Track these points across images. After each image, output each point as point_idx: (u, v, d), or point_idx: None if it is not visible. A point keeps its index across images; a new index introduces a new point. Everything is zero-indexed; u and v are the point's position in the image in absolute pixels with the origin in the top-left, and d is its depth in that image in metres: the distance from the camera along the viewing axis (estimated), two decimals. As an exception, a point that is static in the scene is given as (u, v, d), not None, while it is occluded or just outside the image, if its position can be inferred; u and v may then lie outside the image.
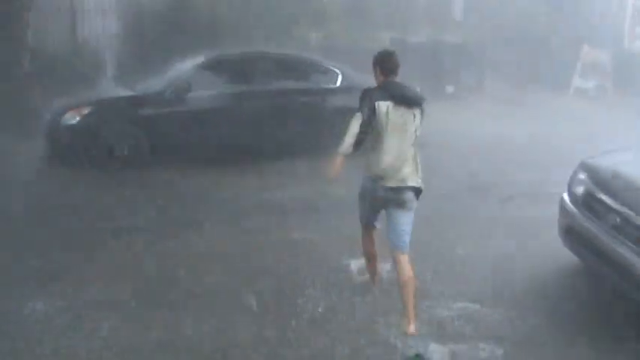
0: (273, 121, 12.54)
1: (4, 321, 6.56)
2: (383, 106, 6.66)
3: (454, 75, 20.34)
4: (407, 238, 6.87)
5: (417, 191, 6.84)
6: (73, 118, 11.80)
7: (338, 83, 13.37)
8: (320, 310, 7.00)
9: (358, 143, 6.54)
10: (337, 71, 13.50)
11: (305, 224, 9.40)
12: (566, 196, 8.05)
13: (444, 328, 6.79)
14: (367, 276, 7.67)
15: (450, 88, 20.18)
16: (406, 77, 6.97)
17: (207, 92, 12.40)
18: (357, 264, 8.03)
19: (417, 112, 6.78)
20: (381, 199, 6.89)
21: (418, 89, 7.14)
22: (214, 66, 12.82)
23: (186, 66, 12.59)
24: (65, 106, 12.12)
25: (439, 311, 7.12)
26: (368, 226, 7.31)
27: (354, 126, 6.56)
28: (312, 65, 13.66)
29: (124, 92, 12.71)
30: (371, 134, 6.67)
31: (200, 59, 12.72)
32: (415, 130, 6.76)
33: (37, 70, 14.46)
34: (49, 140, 12.28)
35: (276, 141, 12.55)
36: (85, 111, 11.89)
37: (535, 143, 14.75)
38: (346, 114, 9.27)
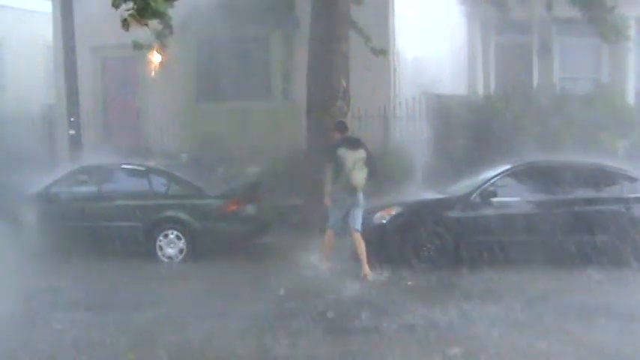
0: (575, 229, 12.45)
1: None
2: (343, 151, 12.19)
3: None
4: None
5: None
6: (383, 218, 12.66)
7: (643, 192, 13.06)
8: None
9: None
10: (642, 180, 13.19)
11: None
12: None
13: None
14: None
15: None
16: None
17: (513, 198, 12.68)
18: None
19: (362, 152, 12.27)
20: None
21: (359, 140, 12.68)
22: (521, 173, 13.06)
23: (493, 172, 12.95)
24: (376, 206, 13.01)
25: None
26: (335, 229, 12.37)
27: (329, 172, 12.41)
28: (617, 174, 13.44)
29: (431, 195, 13.40)
30: (346, 166, 12.09)
31: (507, 166, 13.02)
32: (362, 164, 12.18)
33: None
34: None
35: (578, 248, 12.35)
36: (395, 211, 12.70)
37: None
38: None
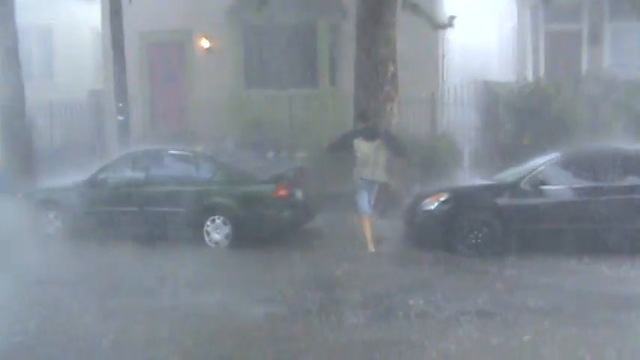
0: (626, 217, 12.20)
1: None
2: (359, 141, 12.79)
3: None
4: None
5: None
6: (431, 204, 12.58)
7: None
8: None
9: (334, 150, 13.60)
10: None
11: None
12: None
13: None
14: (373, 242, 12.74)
15: None
16: None
17: (562, 186, 12.50)
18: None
19: (378, 140, 12.80)
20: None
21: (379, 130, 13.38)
22: (570, 161, 12.87)
23: (542, 159, 12.80)
24: (425, 192, 13.08)
25: None
26: (367, 213, 12.82)
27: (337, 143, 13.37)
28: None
29: (479, 181, 13.36)
30: (360, 155, 12.73)
31: (556, 154, 12.86)
32: (378, 151, 12.73)
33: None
34: (407, 222, 13.23)
35: (629, 236, 12.03)
36: (442, 198, 12.61)
37: None
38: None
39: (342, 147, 13.27)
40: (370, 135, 13.02)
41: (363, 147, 12.83)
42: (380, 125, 13.90)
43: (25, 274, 11.23)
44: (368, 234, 12.78)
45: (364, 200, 12.84)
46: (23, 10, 20.01)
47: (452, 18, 16.28)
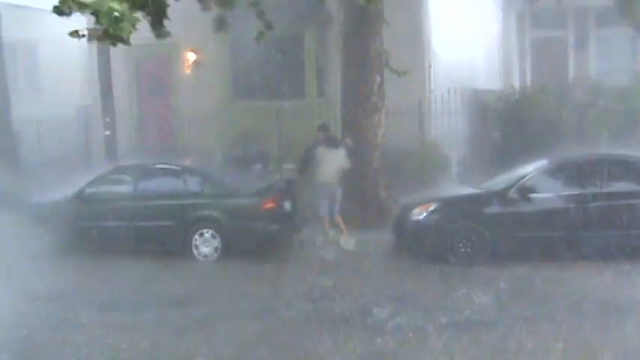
0: (615, 223, 12.22)
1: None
2: (322, 150, 14.05)
3: None
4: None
5: None
6: (420, 214, 12.61)
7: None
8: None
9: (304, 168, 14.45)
10: (681, 172, 12.91)
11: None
12: None
13: None
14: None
15: None
16: None
17: (550, 194, 12.52)
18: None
19: (341, 150, 14.17)
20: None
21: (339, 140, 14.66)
22: (557, 168, 12.91)
23: (530, 167, 12.80)
24: (413, 202, 13.07)
25: None
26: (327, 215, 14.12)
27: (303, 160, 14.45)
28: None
29: (468, 190, 13.34)
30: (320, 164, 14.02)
31: (544, 161, 12.88)
32: (340, 160, 14.10)
33: (386, 166, 15.25)
34: (396, 233, 13.24)
35: (618, 243, 12.10)
36: (431, 207, 12.63)
37: None
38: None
39: (307, 162, 14.37)
40: (333, 144, 14.33)
41: (326, 156, 14.10)
42: (339, 135, 14.83)
43: (12, 290, 11.16)
44: (327, 232, 14.06)
45: (326, 204, 14.12)
46: (9, 25, 19.95)
47: (404, 72, 15.85)
